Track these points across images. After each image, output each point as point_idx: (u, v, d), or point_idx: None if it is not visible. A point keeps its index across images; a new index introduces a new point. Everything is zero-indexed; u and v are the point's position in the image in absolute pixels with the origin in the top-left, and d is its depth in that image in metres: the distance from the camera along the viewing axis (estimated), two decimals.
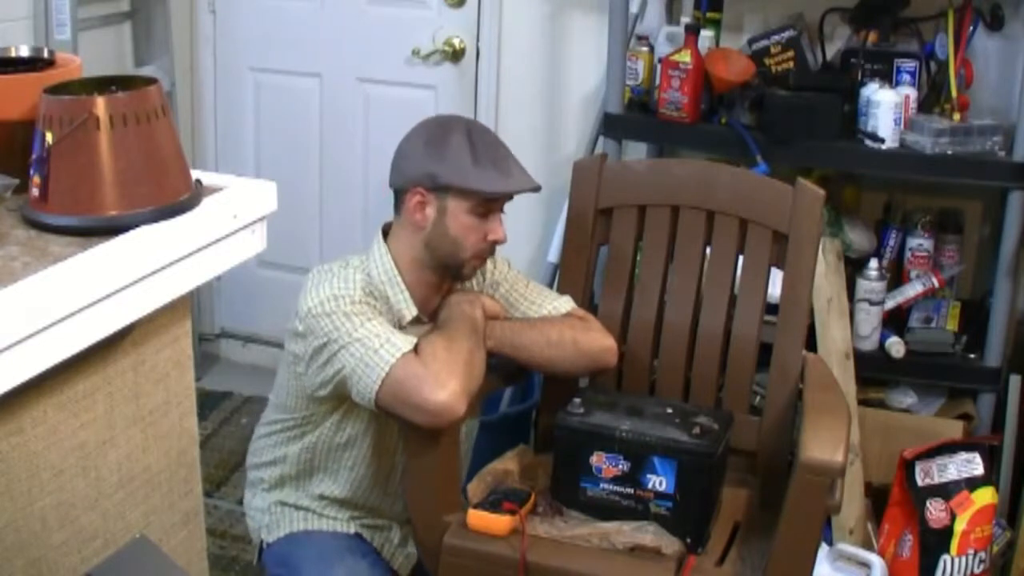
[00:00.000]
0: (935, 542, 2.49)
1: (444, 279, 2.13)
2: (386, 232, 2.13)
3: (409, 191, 2.05)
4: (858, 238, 2.78)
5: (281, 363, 2.17)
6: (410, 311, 2.08)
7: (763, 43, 2.73)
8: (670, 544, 1.95)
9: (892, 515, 2.61)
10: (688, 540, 1.97)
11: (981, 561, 2.49)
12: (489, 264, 2.23)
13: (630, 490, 2.00)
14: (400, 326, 2.06)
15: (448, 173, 2.02)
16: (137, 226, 1.39)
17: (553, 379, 2.36)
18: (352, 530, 2.19)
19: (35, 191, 1.40)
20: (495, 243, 2.09)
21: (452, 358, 1.94)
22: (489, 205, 2.05)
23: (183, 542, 1.66)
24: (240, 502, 2.51)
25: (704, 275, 2.29)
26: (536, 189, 2.10)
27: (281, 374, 2.17)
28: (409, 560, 2.25)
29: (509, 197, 2.09)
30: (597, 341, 2.19)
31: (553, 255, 2.96)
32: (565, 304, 2.25)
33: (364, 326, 1.96)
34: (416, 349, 1.95)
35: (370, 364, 1.92)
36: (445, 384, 1.90)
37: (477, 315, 2.07)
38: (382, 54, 3.36)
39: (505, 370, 2.26)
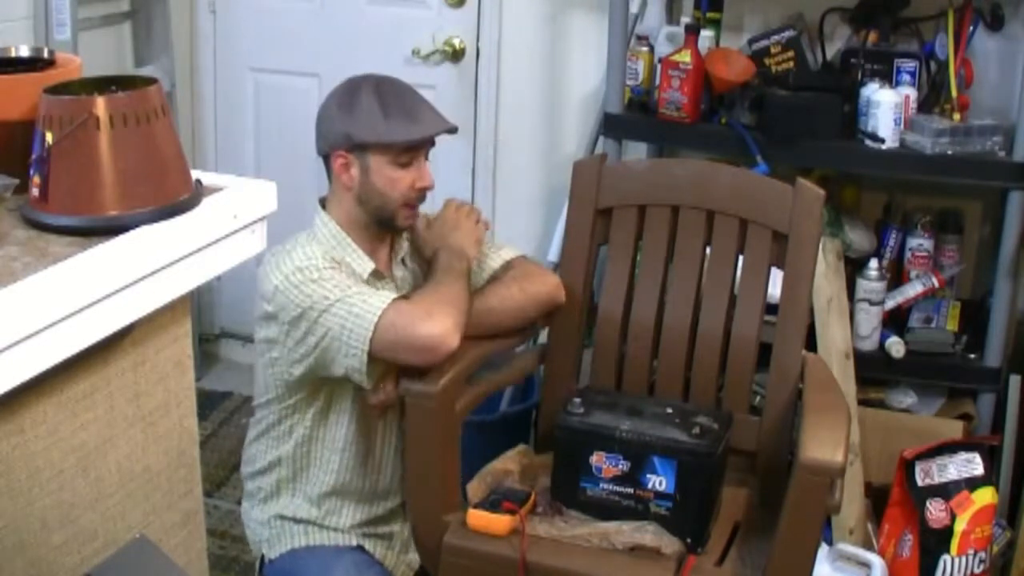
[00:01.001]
0: (935, 542, 2.49)
1: (384, 231, 2.17)
2: (324, 203, 2.17)
3: (332, 155, 2.11)
4: (858, 238, 2.78)
5: (256, 359, 2.17)
6: (367, 265, 2.11)
7: (763, 43, 2.73)
8: (670, 544, 1.95)
9: (892, 515, 2.61)
10: (688, 540, 1.97)
11: (981, 561, 2.49)
12: None
13: (630, 490, 2.00)
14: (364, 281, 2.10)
15: (362, 131, 2.07)
16: (137, 226, 1.39)
17: (553, 378, 2.36)
18: (354, 542, 2.19)
19: (35, 191, 1.40)
20: (423, 190, 2.12)
21: (441, 297, 2.01)
22: (410, 154, 2.09)
23: (183, 542, 1.66)
24: (240, 502, 2.51)
25: (704, 275, 2.29)
26: (452, 131, 2.13)
27: (257, 370, 2.17)
28: (411, 568, 2.25)
29: (430, 143, 2.13)
30: (540, 282, 2.24)
31: (553, 255, 2.96)
32: (507, 253, 2.29)
33: (340, 288, 1.99)
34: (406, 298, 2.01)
35: (360, 315, 1.95)
36: (436, 316, 1.95)
37: (463, 266, 2.11)
38: (382, 54, 3.36)
39: (508, 367, 2.27)
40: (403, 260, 2.22)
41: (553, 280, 2.27)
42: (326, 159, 2.13)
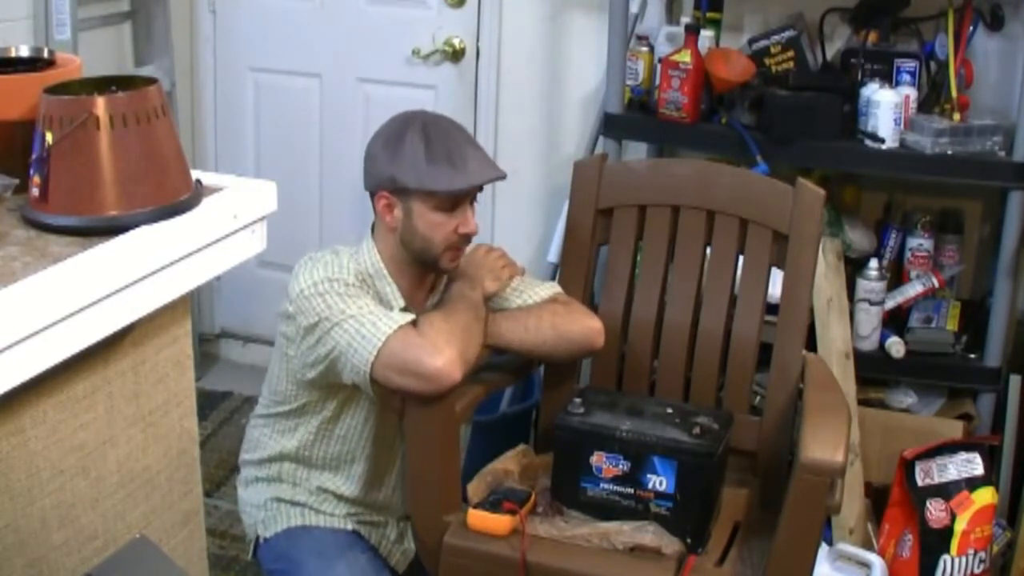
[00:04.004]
0: (935, 542, 2.49)
1: (426, 272, 2.15)
2: (374, 229, 2.16)
3: (376, 194, 2.08)
4: (858, 238, 2.78)
5: (274, 349, 2.18)
6: (398, 302, 2.10)
7: (763, 43, 2.73)
8: (670, 544, 1.95)
9: (892, 515, 2.61)
10: (688, 540, 1.97)
11: (981, 561, 2.49)
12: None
13: (630, 490, 2.00)
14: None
15: (405, 175, 2.03)
16: (137, 226, 1.39)
17: (554, 378, 2.36)
18: (349, 527, 2.20)
19: (35, 191, 1.40)
20: (466, 236, 2.08)
21: (450, 328, 1.98)
22: (454, 200, 2.05)
23: (183, 542, 1.66)
24: None
25: (704, 275, 2.29)
26: (498, 178, 2.09)
27: (273, 360, 2.18)
28: (406, 556, 2.26)
29: (477, 189, 2.08)
30: (578, 323, 2.19)
31: (553, 255, 2.96)
32: (548, 290, 2.25)
33: (358, 305, 1.98)
34: (414, 324, 1.98)
35: (366, 336, 1.94)
36: (442, 350, 1.92)
37: (476, 296, 2.10)
38: (382, 54, 3.36)
39: (508, 367, 2.27)
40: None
41: (593, 324, 2.19)
42: (371, 195, 2.11)
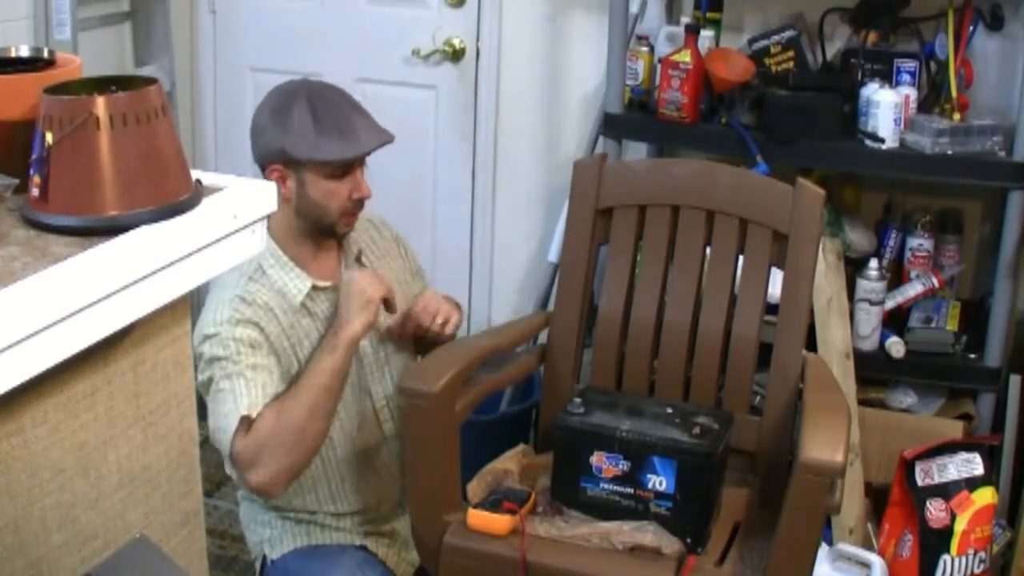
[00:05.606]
0: (935, 542, 2.49)
1: (326, 239, 2.16)
2: None
3: (267, 167, 2.10)
4: (858, 238, 2.78)
5: None
6: (305, 284, 2.10)
7: (763, 43, 2.73)
8: (670, 544, 1.95)
9: (892, 515, 2.61)
10: (688, 540, 1.97)
11: (981, 561, 2.49)
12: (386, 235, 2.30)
13: (630, 490, 2.00)
14: (301, 302, 2.09)
15: (295, 147, 2.04)
16: (137, 226, 1.39)
17: (554, 378, 2.36)
18: (357, 541, 2.18)
19: (35, 191, 1.40)
20: (360, 200, 2.11)
21: (278, 433, 1.96)
22: (346, 168, 2.07)
23: (183, 542, 1.66)
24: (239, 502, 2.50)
25: (704, 275, 2.29)
26: (387, 142, 2.11)
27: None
28: (413, 565, 2.25)
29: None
30: None
31: (553, 255, 2.96)
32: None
33: (225, 378, 1.98)
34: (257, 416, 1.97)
35: (222, 428, 1.97)
36: (261, 464, 1.95)
37: (340, 350, 2.02)
38: (382, 54, 3.36)
39: (508, 367, 2.27)
40: (359, 258, 2.20)
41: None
42: (261, 169, 2.12)
